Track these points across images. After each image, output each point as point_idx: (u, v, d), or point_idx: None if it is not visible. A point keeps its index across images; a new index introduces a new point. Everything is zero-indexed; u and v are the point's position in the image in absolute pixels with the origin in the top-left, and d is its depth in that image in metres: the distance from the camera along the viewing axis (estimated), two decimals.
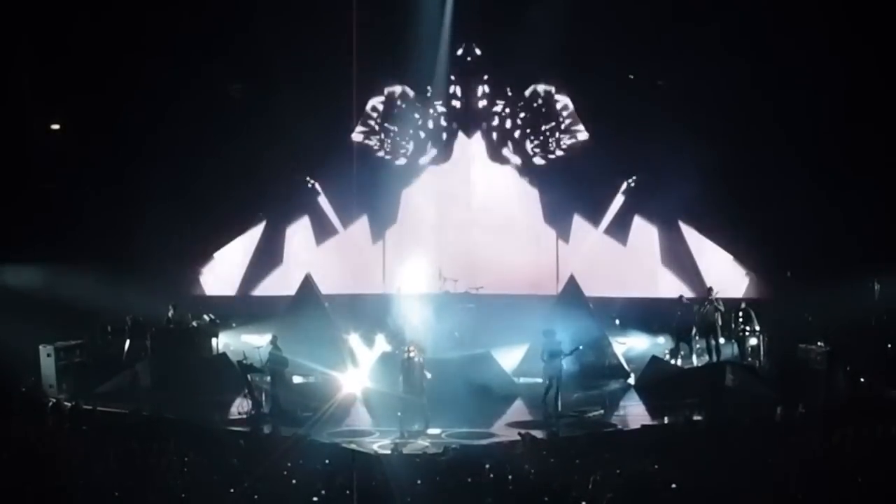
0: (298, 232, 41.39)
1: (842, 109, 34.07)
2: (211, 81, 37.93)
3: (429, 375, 26.76)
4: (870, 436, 22.74)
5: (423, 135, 41.32)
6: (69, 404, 27.18)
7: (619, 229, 40.42)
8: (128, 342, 33.04)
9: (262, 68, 37.64)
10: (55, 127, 38.74)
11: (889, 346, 30.86)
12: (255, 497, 18.23)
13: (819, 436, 23.06)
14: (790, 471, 19.11)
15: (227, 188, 37.99)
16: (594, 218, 40.50)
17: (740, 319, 32.73)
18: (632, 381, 32.46)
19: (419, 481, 19.77)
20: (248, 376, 28.76)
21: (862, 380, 29.13)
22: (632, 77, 39.30)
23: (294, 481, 19.84)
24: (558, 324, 29.41)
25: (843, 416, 24.33)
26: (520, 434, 24.66)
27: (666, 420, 28.16)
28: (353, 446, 24.06)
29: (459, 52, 40.99)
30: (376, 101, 41.07)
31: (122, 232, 35.86)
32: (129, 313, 33.54)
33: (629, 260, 40.03)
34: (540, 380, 28.52)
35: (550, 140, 41.07)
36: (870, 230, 33.40)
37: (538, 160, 41.33)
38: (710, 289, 33.01)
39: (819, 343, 30.48)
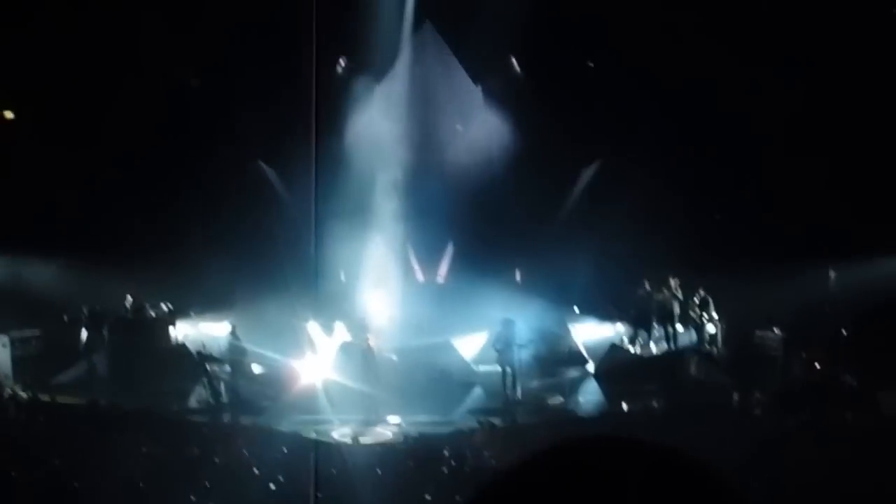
0: None
1: (801, 88, 34.26)
2: (165, 69, 37.67)
3: (394, 358, 26.84)
4: (824, 421, 22.95)
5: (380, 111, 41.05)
6: (25, 395, 27.09)
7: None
8: (85, 332, 32.86)
9: (216, 55, 37.39)
10: (9, 116, 38.49)
11: (844, 332, 31.06)
12: (214, 486, 18.23)
13: (775, 421, 23.26)
14: (747, 456, 19.25)
15: (185, 174, 37.72)
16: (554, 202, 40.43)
17: (697, 307, 32.90)
18: (591, 368, 32.59)
19: (379, 469, 19.83)
20: (207, 366, 28.73)
21: (817, 366, 29.34)
22: (591, 65, 39.40)
23: (254, 470, 19.87)
24: (518, 312, 29.50)
25: (798, 403, 24.52)
26: (479, 422, 24.76)
27: (624, 407, 28.30)
28: (312, 435, 24.08)
29: (419, 32, 40.79)
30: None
31: (80, 222, 35.62)
32: (86, 303, 33.36)
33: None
34: (499, 367, 28.61)
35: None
36: (824, 217, 33.58)
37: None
38: (670, 276, 33.15)
39: (775, 330, 30.69)
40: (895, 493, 16.98)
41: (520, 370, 28.37)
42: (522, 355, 28.47)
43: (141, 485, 18.32)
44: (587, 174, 40.36)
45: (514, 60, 40.73)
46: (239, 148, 38.23)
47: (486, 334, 31.59)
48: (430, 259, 39.13)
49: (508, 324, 28.45)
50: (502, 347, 28.18)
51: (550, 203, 39.80)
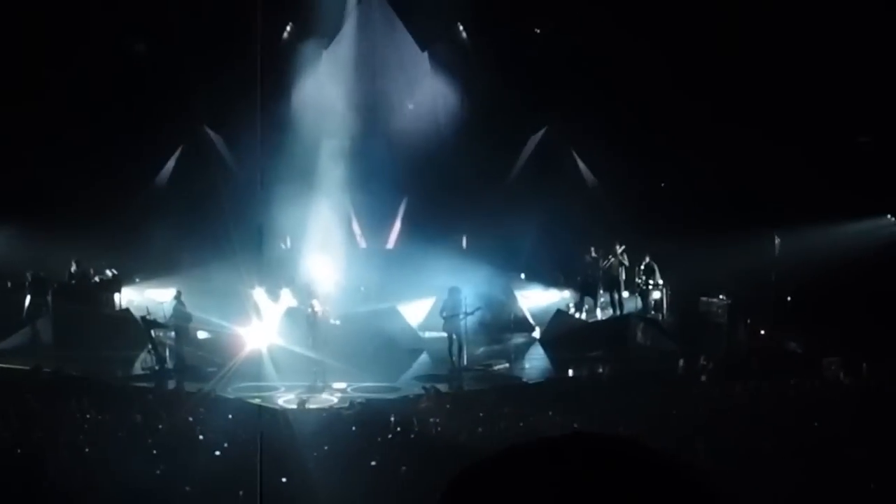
0: None
1: (747, 55, 34.39)
2: (111, 35, 37.34)
3: (336, 322, 26.79)
4: (769, 387, 23.08)
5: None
6: None
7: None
8: (28, 298, 32.63)
9: (162, 21, 37.10)
10: None
11: (788, 299, 31.27)
12: (160, 452, 18.15)
13: (720, 388, 23.37)
14: (692, 422, 19.35)
15: (133, 143, 37.45)
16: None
17: (643, 273, 33.02)
18: (536, 334, 32.68)
19: (325, 436, 19.79)
20: (152, 332, 28.61)
21: (762, 332, 29.52)
22: (538, 31, 39.40)
23: (199, 437, 19.79)
24: (465, 278, 29.52)
25: (743, 369, 24.66)
26: (425, 388, 24.76)
27: (570, 373, 28.39)
28: (257, 401, 24.01)
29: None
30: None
31: (23, 187, 35.30)
32: (29, 269, 33.11)
33: None
34: (445, 334, 28.63)
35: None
36: (769, 184, 33.74)
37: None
38: (616, 243, 33.24)
39: (720, 296, 30.85)
40: (839, 457, 17.09)
41: (466, 337, 28.39)
42: (469, 322, 28.48)
43: (86, 450, 18.21)
44: (534, 141, 40.34)
45: (461, 27, 40.62)
46: (185, 113, 38.00)
47: (433, 301, 31.57)
48: (376, 225, 39.08)
49: (455, 291, 28.45)
50: (448, 314, 28.18)
51: (497, 170, 39.80)
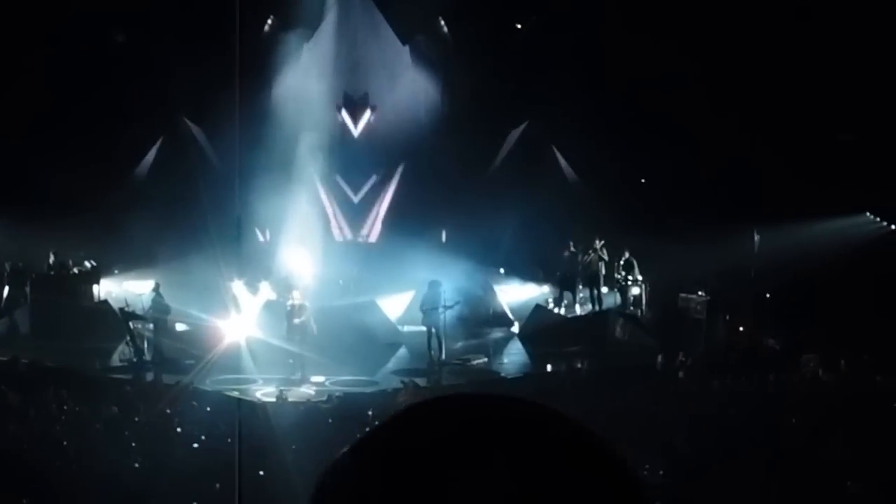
0: None
1: (729, 52, 34.45)
2: (91, 24, 37.17)
3: (319, 317, 26.80)
4: (747, 384, 23.14)
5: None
6: None
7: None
8: (6, 290, 32.53)
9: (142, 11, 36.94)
10: None
11: (767, 295, 31.33)
12: (137, 445, 18.12)
13: (699, 384, 23.42)
14: (671, 418, 19.38)
15: (112, 134, 37.28)
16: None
17: (622, 268, 33.02)
18: (515, 329, 32.69)
19: (302, 429, 19.79)
20: (130, 323, 28.55)
21: (741, 329, 29.58)
22: (518, 26, 39.43)
23: (176, 429, 19.76)
24: (444, 272, 29.53)
25: (722, 365, 24.71)
26: (403, 382, 24.77)
27: (549, 368, 28.43)
28: (236, 394, 23.99)
29: None
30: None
31: (2, 177, 35.14)
32: (8, 260, 33.02)
33: None
34: (424, 328, 28.63)
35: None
36: (751, 180, 33.82)
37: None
38: (596, 238, 33.26)
39: (699, 292, 30.89)
40: (817, 453, 17.13)
41: (445, 331, 28.39)
42: (447, 316, 28.49)
43: (63, 443, 18.16)
44: (514, 135, 40.33)
45: (441, 21, 40.57)
46: (165, 105, 37.89)
47: (412, 295, 31.55)
48: (355, 219, 39.06)
49: (434, 285, 28.46)
50: (428, 308, 28.18)
51: (477, 164, 39.77)
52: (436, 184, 38.41)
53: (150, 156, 40.60)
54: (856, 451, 16.94)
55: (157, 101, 37.13)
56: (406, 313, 31.95)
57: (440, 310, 28.15)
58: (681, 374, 24.88)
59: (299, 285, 29.39)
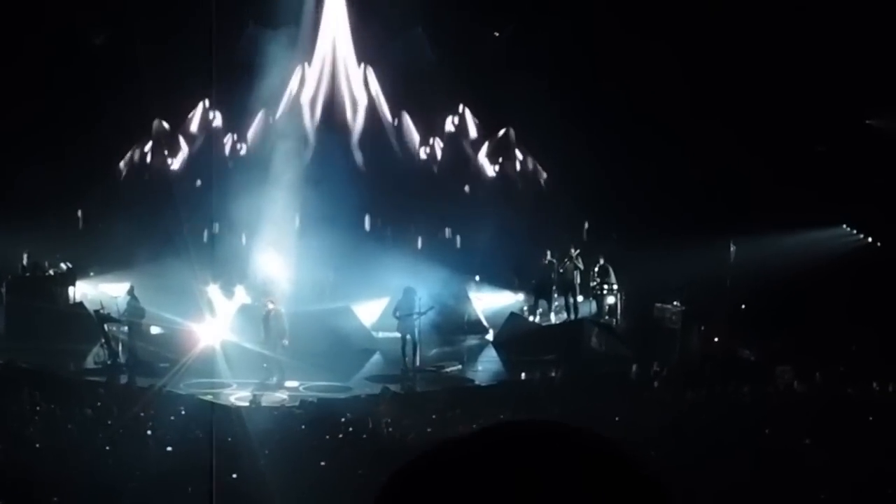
0: None
1: (707, 59, 34.55)
2: (67, 26, 37.07)
3: (294, 322, 26.80)
4: (722, 394, 23.19)
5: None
6: None
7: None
8: None
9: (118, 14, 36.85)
10: None
11: (743, 306, 31.39)
12: (111, 448, 18.08)
13: (673, 394, 23.46)
14: (645, 428, 19.41)
15: (85, 132, 37.08)
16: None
17: (598, 277, 33.03)
18: (490, 336, 32.67)
19: (276, 434, 19.80)
20: (105, 326, 28.48)
21: (716, 339, 29.62)
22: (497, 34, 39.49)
23: (149, 432, 19.74)
24: (419, 278, 29.53)
25: (696, 375, 24.75)
26: (385, 388, 24.81)
27: (523, 376, 28.43)
28: (209, 398, 23.97)
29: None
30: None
31: None
32: None
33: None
34: (399, 334, 28.62)
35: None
36: (725, 191, 33.93)
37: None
38: (571, 246, 33.28)
39: (675, 302, 30.93)
40: (791, 464, 17.19)
41: (420, 338, 28.40)
42: (422, 323, 28.50)
43: (37, 445, 18.12)
44: (492, 141, 40.39)
45: (420, 30, 40.54)
46: (140, 106, 37.76)
47: (387, 301, 31.50)
48: (331, 224, 38.99)
49: (409, 291, 28.46)
50: (402, 315, 28.18)
51: (454, 171, 39.81)
52: (413, 190, 38.44)
53: (127, 157, 40.54)
54: (830, 461, 17.01)
55: (133, 102, 37.00)
56: (381, 319, 31.89)
57: (414, 316, 28.15)
58: (655, 383, 24.92)
59: (274, 290, 29.35)
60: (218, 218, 32.87)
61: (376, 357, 29.91)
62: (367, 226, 38.28)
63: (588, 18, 35.28)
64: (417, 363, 28.26)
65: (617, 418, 20.44)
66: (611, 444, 1.79)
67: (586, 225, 36.92)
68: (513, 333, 31.78)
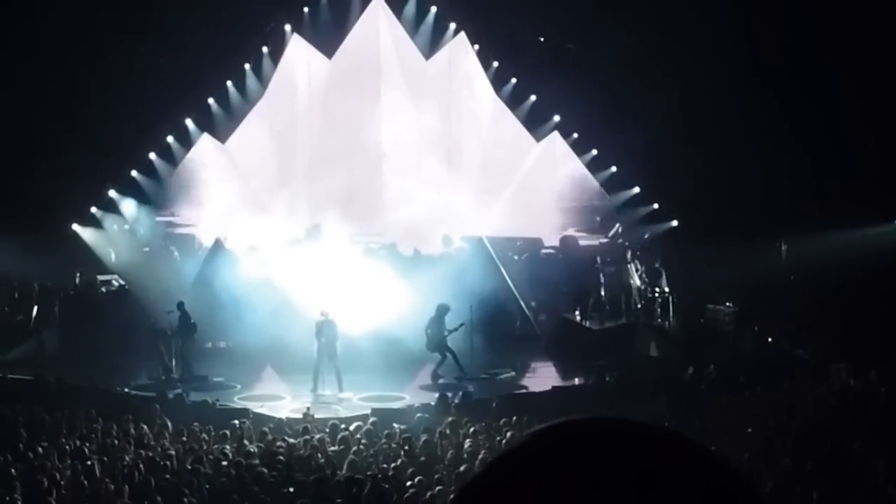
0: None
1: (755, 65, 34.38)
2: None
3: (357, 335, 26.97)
4: (778, 395, 23.02)
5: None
6: None
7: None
8: (35, 308, 32.58)
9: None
10: None
11: (795, 306, 31.18)
12: (166, 463, 18.15)
13: (728, 396, 23.31)
14: (700, 431, 19.31)
15: (118, 143, 36.95)
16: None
17: (646, 280, 32.84)
18: (542, 342, 32.55)
19: (329, 443, 19.87)
20: (158, 341, 28.63)
21: (769, 339, 29.44)
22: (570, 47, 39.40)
23: (204, 446, 19.82)
24: (467, 285, 29.49)
25: (751, 376, 24.58)
26: (447, 395, 24.80)
27: (576, 381, 28.36)
28: (263, 411, 24.05)
29: None
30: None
31: (25, 196, 35.13)
32: (36, 279, 33.14)
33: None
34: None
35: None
36: (777, 191, 33.74)
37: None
38: (627, 250, 33.22)
39: (727, 303, 30.76)
40: (847, 464, 17.06)
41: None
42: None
43: (89, 462, 18.18)
44: (542, 143, 40.12)
45: (463, 34, 40.41)
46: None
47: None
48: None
49: (442, 309, 28.37)
50: (431, 333, 28.22)
51: (505, 177, 39.66)
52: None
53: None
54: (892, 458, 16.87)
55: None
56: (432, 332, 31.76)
57: (445, 333, 28.18)
58: (709, 385, 24.78)
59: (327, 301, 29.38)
60: None
61: (430, 366, 29.82)
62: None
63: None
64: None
65: (671, 421, 20.33)
66: (693, 443, 1.76)
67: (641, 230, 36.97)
68: (565, 338, 31.70)
